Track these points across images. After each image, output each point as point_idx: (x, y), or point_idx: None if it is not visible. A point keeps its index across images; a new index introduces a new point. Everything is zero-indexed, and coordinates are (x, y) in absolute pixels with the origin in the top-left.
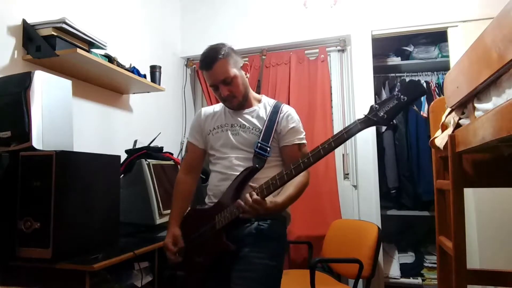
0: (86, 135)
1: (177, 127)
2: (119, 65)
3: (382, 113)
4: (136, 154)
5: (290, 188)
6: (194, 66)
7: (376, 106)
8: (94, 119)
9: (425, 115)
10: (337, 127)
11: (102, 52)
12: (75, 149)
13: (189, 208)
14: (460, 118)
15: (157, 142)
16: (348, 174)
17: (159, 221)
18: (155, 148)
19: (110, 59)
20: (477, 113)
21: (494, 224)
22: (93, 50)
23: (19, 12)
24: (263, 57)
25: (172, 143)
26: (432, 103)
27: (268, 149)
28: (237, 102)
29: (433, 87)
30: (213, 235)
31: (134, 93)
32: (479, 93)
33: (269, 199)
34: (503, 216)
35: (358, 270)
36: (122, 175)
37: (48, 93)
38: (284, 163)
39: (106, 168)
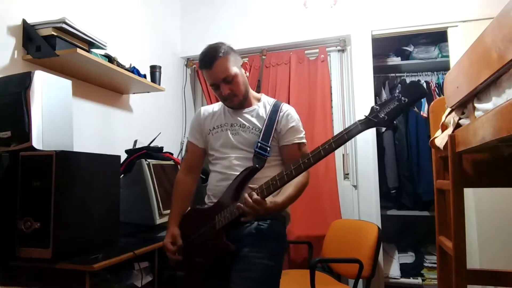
0: (86, 135)
1: (177, 127)
2: (119, 65)
3: (382, 115)
4: (136, 154)
5: (290, 188)
6: (194, 66)
7: (377, 107)
8: (94, 119)
9: (425, 115)
10: (337, 127)
11: (102, 52)
12: (75, 149)
13: (189, 208)
14: (460, 118)
15: (157, 142)
16: (348, 174)
17: (159, 221)
18: (155, 148)
19: (110, 59)
20: (477, 113)
21: (494, 224)
22: (93, 50)
23: (19, 12)
24: (263, 57)
25: (172, 143)
26: (432, 103)
27: (268, 148)
28: (238, 101)
29: (433, 87)
30: (213, 235)
31: (134, 93)
32: (479, 93)
33: (269, 199)
34: (503, 216)
35: (358, 270)
36: (122, 175)
37: (48, 93)
38: (284, 163)
39: (106, 168)
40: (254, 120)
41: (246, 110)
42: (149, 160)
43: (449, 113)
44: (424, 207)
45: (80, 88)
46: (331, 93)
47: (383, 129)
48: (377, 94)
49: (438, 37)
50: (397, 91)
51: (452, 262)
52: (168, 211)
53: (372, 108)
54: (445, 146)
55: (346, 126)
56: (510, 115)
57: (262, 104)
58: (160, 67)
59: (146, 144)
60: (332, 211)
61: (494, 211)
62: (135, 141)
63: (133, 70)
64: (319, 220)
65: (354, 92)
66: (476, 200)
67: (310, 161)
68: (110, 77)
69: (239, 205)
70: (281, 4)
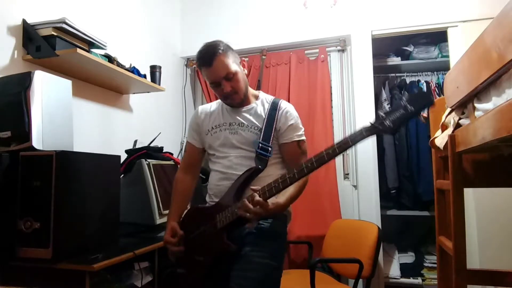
0: (86, 135)
1: (177, 127)
2: (119, 65)
3: (388, 123)
4: (136, 154)
5: (291, 188)
6: (194, 66)
7: (383, 114)
8: (94, 119)
9: (425, 115)
10: (337, 127)
11: (102, 52)
12: (75, 149)
13: (188, 207)
14: (460, 118)
15: (157, 142)
16: (348, 174)
17: (159, 221)
18: (155, 148)
19: (110, 59)
20: (477, 113)
21: (494, 224)
22: (93, 50)
23: (19, 12)
24: (263, 57)
25: (172, 143)
26: None
27: (270, 149)
28: (239, 99)
29: (433, 87)
30: (214, 235)
31: (134, 93)
32: (479, 93)
33: (270, 200)
34: (503, 216)
35: (358, 270)
36: (122, 175)
37: (48, 93)
38: (284, 160)
39: (106, 168)
40: (252, 118)
41: (245, 108)
42: (149, 160)
43: (449, 113)
44: (424, 207)
45: (80, 88)
46: (331, 93)
47: None
48: (377, 94)
49: (438, 37)
50: (404, 99)
51: (452, 262)
52: (168, 211)
53: (378, 115)
54: (445, 146)
55: (346, 126)
56: (510, 115)
57: (260, 102)
58: (160, 67)
59: (146, 144)
60: (332, 211)
61: (494, 211)
62: (135, 141)
63: (133, 70)
64: (319, 220)
65: (354, 92)
66: (476, 200)
67: (313, 165)
68: (110, 77)
69: (240, 205)
70: (281, 4)
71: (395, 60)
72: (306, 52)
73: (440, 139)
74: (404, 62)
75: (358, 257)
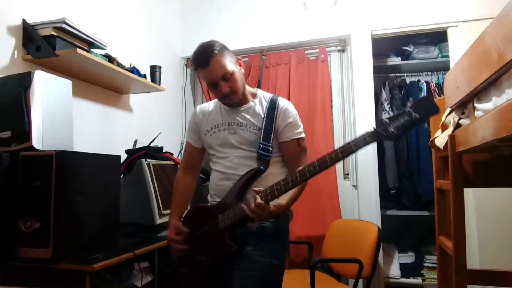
0: (86, 135)
1: (177, 127)
2: (119, 65)
3: (392, 129)
4: (136, 154)
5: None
6: None
7: (387, 120)
8: (94, 119)
9: None
10: (337, 127)
11: (102, 52)
12: (75, 149)
13: (189, 207)
14: (460, 118)
15: (157, 142)
16: (348, 174)
17: (159, 221)
18: (155, 148)
19: (110, 59)
20: (477, 113)
21: (494, 224)
22: (93, 50)
23: (19, 12)
24: (263, 57)
25: (172, 143)
26: None
27: (271, 149)
28: (238, 99)
29: (433, 87)
30: (216, 235)
31: (134, 93)
32: (479, 93)
33: (272, 202)
34: (503, 216)
35: (358, 270)
36: (122, 175)
37: (48, 93)
38: (284, 159)
39: (106, 168)
40: (251, 118)
41: (243, 107)
42: (149, 160)
43: (449, 113)
44: (424, 207)
45: (80, 88)
46: (331, 93)
47: None
48: (377, 94)
49: (438, 37)
50: (409, 105)
51: (452, 262)
52: (168, 211)
53: (382, 121)
54: (445, 146)
55: (346, 126)
56: (510, 115)
57: (258, 100)
58: (160, 67)
59: (146, 144)
60: (332, 211)
61: (494, 211)
62: (135, 141)
63: (133, 70)
64: (319, 220)
65: (354, 92)
66: (476, 200)
67: (315, 169)
68: (110, 77)
69: (243, 208)
70: (281, 4)
71: (395, 60)
72: (306, 52)
73: (440, 139)
74: (404, 62)
75: (358, 257)
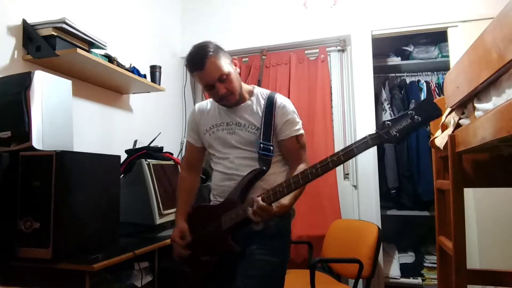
0: (86, 135)
1: (177, 127)
2: (119, 65)
3: (394, 132)
4: (136, 154)
5: None
6: None
7: (389, 123)
8: (94, 119)
9: None
10: (337, 127)
11: (102, 52)
12: (75, 149)
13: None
14: (460, 118)
15: (157, 142)
16: (348, 174)
17: (159, 221)
18: (155, 148)
19: (110, 59)
20: (477, 113)
21: (494, 224)
22: (93, 50)
23: (19, 12)
24: (263, 57)
25: (172, 143)
26: None
27: (271, 148)
28: (235, 100)
29: (433, 87)
30: (219, 236)
31: (134, 93)
32: (479, 93)
33: (275, 203)
34: (503, 216)
35: (358, 270)
36: (122, 175)
37: (48, 93)
38: (284, 157)
39: (106, 168)
40: (249, 117)
41: (240, 106)
42: (149, 160)
43: (449, 113)
44: (424, 207)
45: (80, 88)
46: (331, 93)
47: None
48: (377, 94)
49: (438, 37)
50: (411, 107)
51: (452, 262)
52: (168, 211)
53: (384, 123)
54: (445, 146)
55: (346, 126)
56: (510, 115)
57: (255, 98)
58: (160, 67)
59: (146, 144)
60: (332, 211)
61: (494, 211)
62: (135, 141)
63: (133, 70)
64: (319, 220)
65: (354, 92)
66: (476, 200)
67: (318, 172)
68: (110, 77)
69: (245, 209)
70: (281, 4)
71: (395, 60)
72: (306, 52)
73: (440, 139)
74: (404, 62)
75: (358, 257)
